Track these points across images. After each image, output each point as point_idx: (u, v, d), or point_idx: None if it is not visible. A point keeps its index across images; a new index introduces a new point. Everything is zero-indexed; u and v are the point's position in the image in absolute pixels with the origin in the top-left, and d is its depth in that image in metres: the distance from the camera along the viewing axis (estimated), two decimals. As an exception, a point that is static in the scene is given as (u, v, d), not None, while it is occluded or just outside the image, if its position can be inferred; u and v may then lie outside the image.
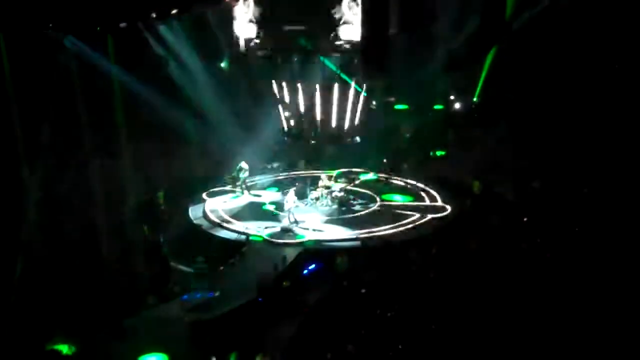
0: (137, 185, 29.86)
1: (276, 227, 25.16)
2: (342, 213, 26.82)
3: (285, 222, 25.12)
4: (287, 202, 25.53)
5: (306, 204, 27.11)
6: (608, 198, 24.47)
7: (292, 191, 26.03)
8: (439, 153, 34.44)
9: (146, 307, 20.20)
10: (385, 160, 33.28)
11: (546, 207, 25.54)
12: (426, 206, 27.63)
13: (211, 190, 29.36)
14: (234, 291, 20.50)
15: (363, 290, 19.56)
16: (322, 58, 31.41)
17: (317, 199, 27.30)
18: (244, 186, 29.01)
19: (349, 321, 17.82)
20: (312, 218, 25.98)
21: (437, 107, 36.60)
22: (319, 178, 28.58)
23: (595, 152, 27.86)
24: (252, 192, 29.31)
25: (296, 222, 25.16)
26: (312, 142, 34.44)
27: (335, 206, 27.16)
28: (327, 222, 25.89)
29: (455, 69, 33.80)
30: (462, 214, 26.71)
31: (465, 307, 18.00)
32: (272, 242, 24.01)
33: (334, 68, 31.82)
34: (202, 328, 18.02)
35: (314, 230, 24.83)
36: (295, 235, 24.36)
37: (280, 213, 26.19)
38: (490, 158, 30.89)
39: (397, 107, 37.10)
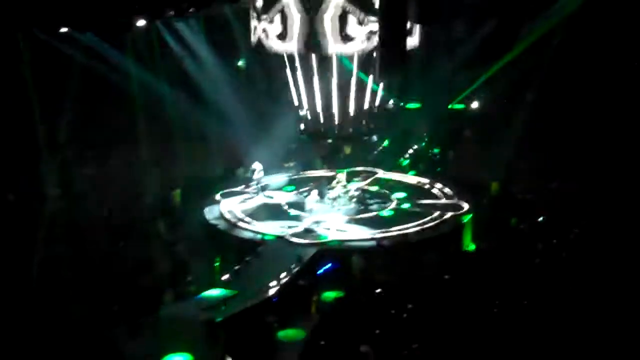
0: (153, 182, 29.99)
1: (298, 227, 25.03)
2: (362, 212, 26.61)
3: (307, 222, 25.06)
4: (309, 202, 25.43)
5: (324, 204, 26.98)
6: (626, 198, 24.19)
7: (314, 191, 25.93)
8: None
9: (163, 305, 20.20)
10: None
11: (564, 207, 25.33)
12: (443, 204, 27.39)
13: (226, 190, 29.14)
14: (249, 290, 20.51)
15: (378, 290, 19.50)
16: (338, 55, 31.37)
17: (334, 199, 27.17)
18: (258, 187, 28.72)
19: (364, 321, 17.78)
20: (334, 218, 25.81)
21: (457, 106, 36.31)
22: (334, 177, 28.43)
23: (615, 152, 27.59)
24: (266, 193, 28.77)
25: (317, 222, 25.06)
26: (329, 140, 34.35)
27: (353, 205, 27.06)
28: (349, 221, 25.73)
29: (473, 67, 33.64)
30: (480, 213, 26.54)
31: (480, 308, 17.92)
32: (293, 242, 23.88)
33: (350, 66, 31.74)
34: (217, 327, 18.04)
35: (337, 230, 24.72)
36: (318, 236, 24.25)
37: (302, 213, 26.12)
38: (508, 157, 30.71)
39: (409, 105, 36.93)
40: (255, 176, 28.59)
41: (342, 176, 28.22)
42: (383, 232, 24.33)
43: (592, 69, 30.28)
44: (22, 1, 25.15)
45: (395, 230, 24.52)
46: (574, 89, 31.10)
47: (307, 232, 24.55)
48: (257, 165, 28.58)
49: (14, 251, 21.60)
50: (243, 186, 29.52)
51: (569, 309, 17.17)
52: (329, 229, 24.77)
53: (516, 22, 32.27)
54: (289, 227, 25.05)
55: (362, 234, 24.57)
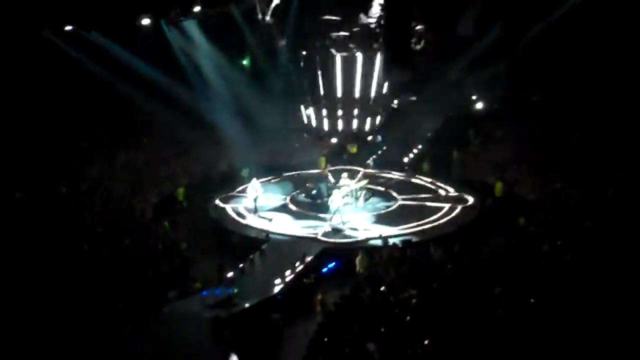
0: (158, 181, 29.99)
1: (324, 226, 25.12)
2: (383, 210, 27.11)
3: (334, 222, 25.16)
4: (333, 201, 25.49)
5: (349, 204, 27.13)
6: (633, 199, 24.06)
7: (336, 192, 26.00)
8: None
9: (166, 302, 20.18)
10: None
11: (568, 208, 25.25)
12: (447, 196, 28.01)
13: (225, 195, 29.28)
14: (253, 288, 20.52)
15: (382, 288, 19.47)
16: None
17: (343, 198, 27.12)
18: (255, 207, 27.24)
19: (369, 319, 17.75)
20: (358, 217, 25.99)
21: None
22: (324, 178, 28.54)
23: (620, 151, 27.51)
24: (263, 214, 27.15)
25: (343, 222, 25.12)
26: (334, 140, 34.36)
27: (361, 204, 27.20)
28: (375, 220, 26.01)
29: (478, 68, 33.63)
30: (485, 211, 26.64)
31: (486, 308, 17.87)
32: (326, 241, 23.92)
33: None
34: (221, 324, 18.03)
35: (364, 230, 24.83)
36: (348, 235, 24.36)
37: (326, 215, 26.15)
38: (512, 157, 30.71)
39: None
40: (251, 194, 27.28)
41: (346, 176, 28.25)
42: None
43: (601, 69, 30.17)
44: (30, 1, 25.35)
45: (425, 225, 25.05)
46: (578, 90, 31.07)
47: (336, 231, 24.63)
48: (255, 183, 27.44)
49: (20, 249, 21.57)
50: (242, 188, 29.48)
51: (574, 308, 17.15)
52: (356, 228, 24.88)
53: (521, 24, 32.30)
54: (316, 227, 25.16)
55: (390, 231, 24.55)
